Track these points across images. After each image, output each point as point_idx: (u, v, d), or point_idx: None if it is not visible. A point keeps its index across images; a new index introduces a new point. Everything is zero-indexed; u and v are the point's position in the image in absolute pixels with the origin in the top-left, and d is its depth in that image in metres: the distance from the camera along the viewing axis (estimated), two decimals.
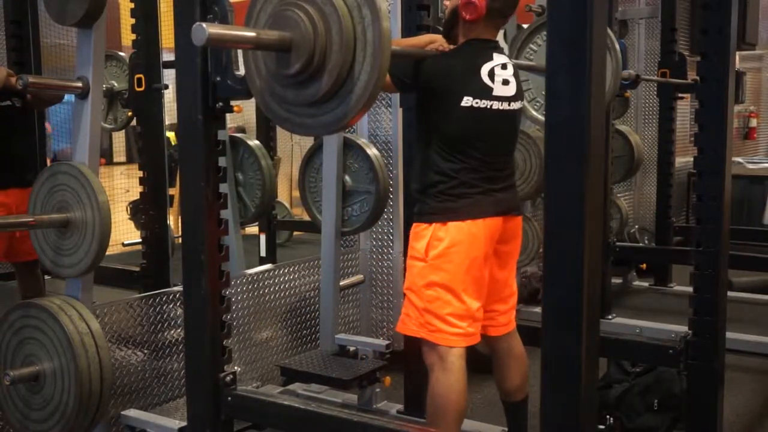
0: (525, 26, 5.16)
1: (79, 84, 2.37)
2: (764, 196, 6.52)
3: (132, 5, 3.59)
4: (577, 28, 1.40)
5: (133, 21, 3.59)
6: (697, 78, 2.61)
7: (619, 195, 5.51)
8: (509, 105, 2.45)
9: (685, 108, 5.67)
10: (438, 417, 2.36)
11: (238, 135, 3.71)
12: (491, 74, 2.40)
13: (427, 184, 2.42)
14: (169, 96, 3.91)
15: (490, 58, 2.42)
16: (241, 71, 1.97)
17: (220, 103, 2.02)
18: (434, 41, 2.49)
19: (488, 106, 2.38)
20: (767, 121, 8.90)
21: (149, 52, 3.56)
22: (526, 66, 3.04)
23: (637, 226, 5.74)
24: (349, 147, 3.27)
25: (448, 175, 2.38)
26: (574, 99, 1.41)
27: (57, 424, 2.30)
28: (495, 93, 2.40)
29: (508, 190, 2.50)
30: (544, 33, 3.19)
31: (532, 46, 3.28)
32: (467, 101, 2.35)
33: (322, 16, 1.68)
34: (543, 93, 3.19)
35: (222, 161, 2.10)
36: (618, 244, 4.85)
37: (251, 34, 1.72)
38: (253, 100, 1.95)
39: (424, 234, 2.40)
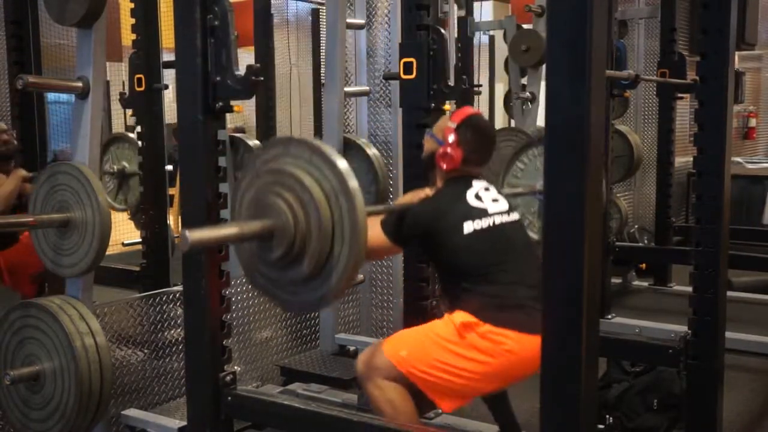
0: (525, 26, 5.19)
1: (79, 84, 2.38)
2: (764, 196, 6.53)
3: (132, 5, 3.59)
4: (577, 28, 1.40)
5: (133, 21, 3.59)
6: (697, 78, 2.61)
7: (619, 195, 5.51)
8: (509, 216, 2.46)
9: (684, 108, 5.66)
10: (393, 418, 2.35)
11: (238, 135, 3.71)
12: (478, 197, 2.43)
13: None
14: (170, 96, 3.92)
15: (471, 186, 2.46)
16: (241, 71, 1.98)
17: (220, 103, 2.02)
18: (418, 195, 2.53)
19: (491, 224, 2.39)
20: (766, 121, 8.89)
21: (149, 52, 3.57)
22: (512, 193, 3.12)
23: (636, 226, 5.74)
24: (349, 147, 3.27)
25: (485, 294, 2.32)
26: (574, 99, 1.41)
27: (57, 424, 2.30)
28: (491, 211, 2.42)
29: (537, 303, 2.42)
30: (530, 152, 3.45)
31: (518, 164, 3.46)
32: (468, 227, 2.35)
33: (302, 205, 1.76)
34: (531, 210, 3.35)
35: (222, 161, 2.10)
36: (618, 244, 4.85)
37: (233, 230, 1.80)
38: (253, 100, 1.96)
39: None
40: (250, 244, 1.88)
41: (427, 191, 2.54)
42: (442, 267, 2.48)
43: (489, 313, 2.28)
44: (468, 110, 2.56)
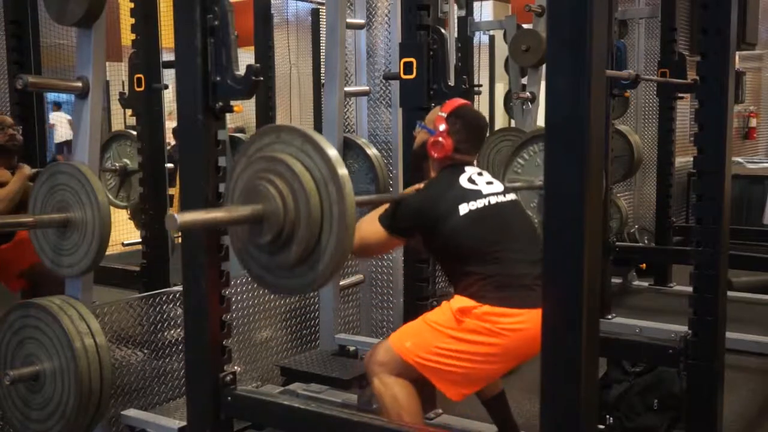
0: (525, 26, 5.19)
1: (79, 84, 2.38)
2: (764, 196, 6.52)
3: (132, 5, 3.58)
4: (577, 28, 1.40)
5: (133, 21, 3.59)
6: (697, 78, 2.61)
7: (619, 195, 5.51)
8: (505, 197, 2.47)
9: (685, 108, 5.66)
10: (398, 418, 2.34)
11: (238, 135, 3.71)
12: (471, 180, 2.44)
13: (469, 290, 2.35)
14: (169, 96, 3.92)
15: (463, 171, 2.47)
16: (241, 71, 1.98)
17: (220, 103, 2.02)
18: (415, 188, 2.55)
19: (486, 204, 2.40)
20: (767, 121, 8.89)
21: (149, 52, 3.56)
22: (511, 188, 3.12)
23: (637, 226, 5.74)
24: (349, 147, 3.27)
25: (488, 276, 2.32)
26: (574, 99, 1.41)
27: (57, 424, 2.30)
28: (485, 192, 2.42)
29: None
30: (531, 148, 3.48)
31: (519, 160, 3.49)
32: (464, 208, 2.36)
33: (292, 192, 1.78)
34: (531, 205, 3.38)
35: (222, 161, 2.10)
36: (618, 244, 4.85)
37: (222, 214, 1.82)
38: (253, 100, 1.97)
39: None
40: (242, 227, 1.88)
41: (416, 187, 2.55)
42: (442, 253, 2.47)
43: (488, 294, 2.29)
44: (458, 101, 2.57)
